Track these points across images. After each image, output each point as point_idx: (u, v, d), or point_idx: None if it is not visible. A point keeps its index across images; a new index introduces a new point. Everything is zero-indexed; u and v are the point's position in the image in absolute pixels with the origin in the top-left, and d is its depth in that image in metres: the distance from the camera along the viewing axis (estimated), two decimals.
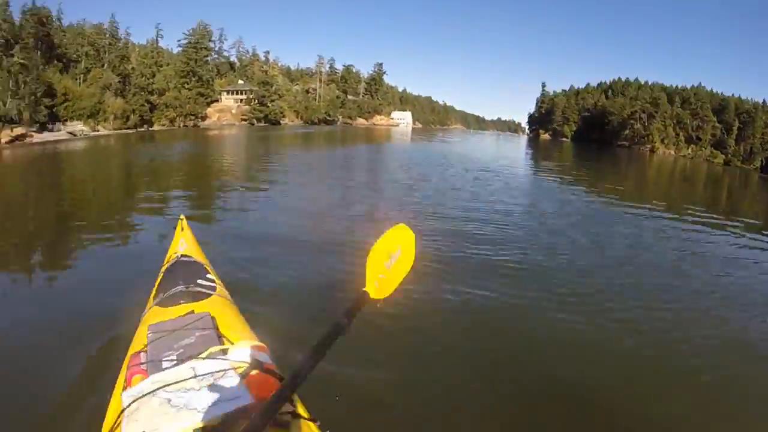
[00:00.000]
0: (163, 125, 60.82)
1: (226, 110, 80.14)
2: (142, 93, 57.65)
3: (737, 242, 13.34)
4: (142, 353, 2.60)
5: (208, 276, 3.90)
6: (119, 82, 55.52)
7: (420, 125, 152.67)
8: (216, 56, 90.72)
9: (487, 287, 6.96)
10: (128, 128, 52.13)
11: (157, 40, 78.96)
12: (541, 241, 10.47)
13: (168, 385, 2.13)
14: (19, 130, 37.63)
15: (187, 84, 70.50)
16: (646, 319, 6.54)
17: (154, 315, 3.24)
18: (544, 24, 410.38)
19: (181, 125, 64.37)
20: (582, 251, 9.93)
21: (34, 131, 39.57)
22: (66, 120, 45.33)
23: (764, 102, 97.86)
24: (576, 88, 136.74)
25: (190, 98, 68.10)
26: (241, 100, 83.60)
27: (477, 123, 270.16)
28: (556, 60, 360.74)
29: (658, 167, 56.77)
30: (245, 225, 10.25)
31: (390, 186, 17.94)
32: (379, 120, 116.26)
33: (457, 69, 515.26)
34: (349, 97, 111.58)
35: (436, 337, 5.53)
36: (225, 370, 2.24)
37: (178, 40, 79.57)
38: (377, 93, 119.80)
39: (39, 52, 46.36)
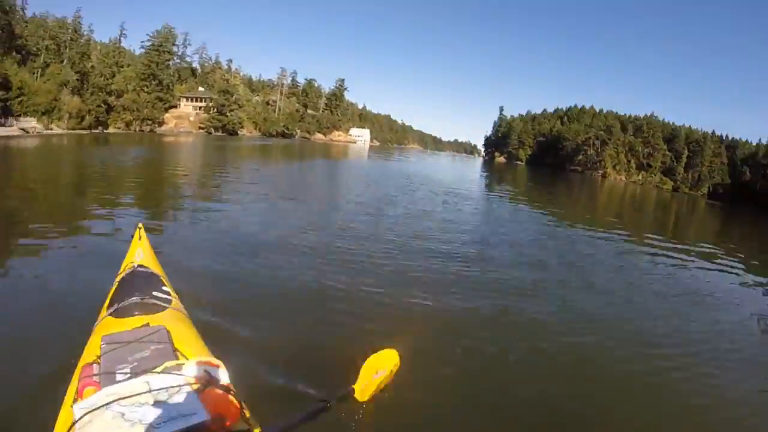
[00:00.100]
0: (119, 128, 59.89)
1: (185, 117, 79.33)
2: (100, 93, 56.84)
3: (684, 263, 14.28)
4: (94, 365, 2.55)
5: (164, 288, 3.87)
6: (77, 80, 54.59)
7: (378, 143, 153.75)
8: (178, 61, 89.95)
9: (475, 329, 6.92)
10: (83, 128, 51.18)
11: (120, 39, 78.45)
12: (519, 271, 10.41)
13: (122, 398, 2.09)
14: None
15: (147, 87, 69.74)
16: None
17: (108, 326, 3.19)
18: (505, 49, 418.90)
19: (138, 129, 63.50)
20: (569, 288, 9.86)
21: None
22: (19, 115, 44.25)
23: (713, 132, 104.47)
24: (533, 113, 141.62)
25: (148, 102, 67.34)
26: (201, 107, 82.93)
27: (434, 143, 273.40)
28: (514, 85, 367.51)
29: (609, 192, 58.80)
30: (201, 238, 10.07)
31: (354, 206, 17.77)
32: (337, 136, 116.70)
33: (417, 89, 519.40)
34: (309, 111, 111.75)
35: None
36: (180, 385, 2.21)
37: (142, 42, 78.71)
38: (337, 109, 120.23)
39: None
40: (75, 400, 2.31)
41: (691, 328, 8.05)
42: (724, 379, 6.21)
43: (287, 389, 4.38)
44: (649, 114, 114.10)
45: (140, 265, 4.27)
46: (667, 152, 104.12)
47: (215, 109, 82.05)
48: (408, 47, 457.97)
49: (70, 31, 60.53)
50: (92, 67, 60.09)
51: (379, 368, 2.67)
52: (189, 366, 2.36)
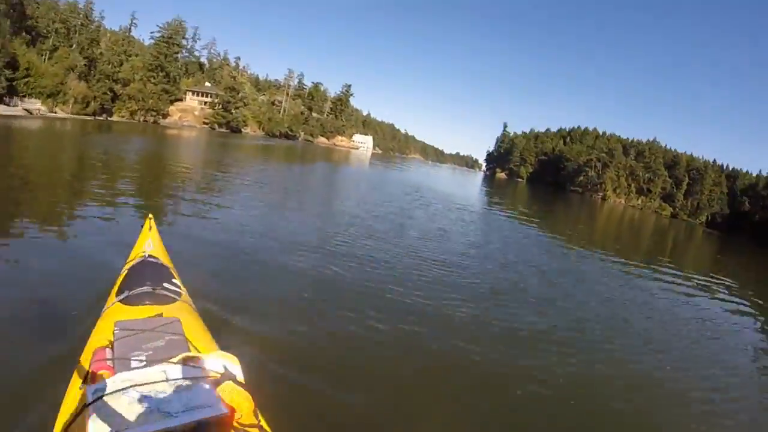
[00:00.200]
0: (123, 117, 59.60)
1: (189, 111, 79.00)
2: (107, 80, 56.57)
3: (679, 289, 14.28)
4: (107, 349, 2.57)
5: (174, 281, 3.94)
6: (85, 65, 54.25)
7: (380, 151, 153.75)
8: (187, 54, 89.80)
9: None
10: (87, 114, 50.86)
11: (130, 28, 78.29)
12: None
13: (137, 385, 2.11)
14: None
15: (154, 78, 69.38)
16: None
17: (119, 312, 3.25)
18: (512, 66, 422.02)
19: (141, 119, 63.21)
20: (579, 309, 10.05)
21: None
22: (24, 96, 43.95)
23: (714, 161, 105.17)
24: (536, 131, 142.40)
25: (154, 93, 67.00)
26: (206, 102, 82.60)
27: (435, 155, 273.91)
28: (519, 102, 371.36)
29: (608, 215, 59.07)
30: (205, 233, 10.06)
31: (355, 209, 17.98)
32: (340, 141, 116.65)
33: (422, 99, 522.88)
34: (314, 114, 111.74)
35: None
36: (198, 378, 2.25)
37: (152, 32, 78.84)
38: (342, 114, 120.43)
39: (9, 21, 45.00)
40: (85, 381, 2.34)
41: (685, 357, 8.02)
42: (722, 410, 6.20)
43: (294, 385, 4.44)
44: (651, 139, 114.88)
45: (151, 256, 4.32)
46: (668, 178, 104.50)
47: (220, 105, 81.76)
48: (415, 58, 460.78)
49: (81, 16, 60.28)
50: (101, 53, 60.03)
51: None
52: (207, 360, 2.41)
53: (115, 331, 2.73)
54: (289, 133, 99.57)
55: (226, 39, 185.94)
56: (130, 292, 3.50)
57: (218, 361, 2.42)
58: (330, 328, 6.23)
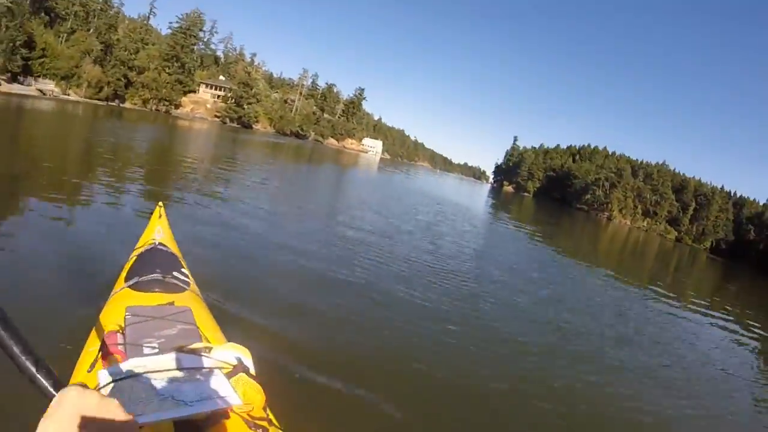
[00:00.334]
0: (135, 104, 59.57)
1: (202, 103, 79.04)
2: (122, 67, 56.65)
3: (678, 315, 14.04)
4: (118, 334, 2.54)
5: (183, 270, 3.87)
6: (101, 50, 54.26)
7: (388, 156, 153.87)
8: (203, 47, 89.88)
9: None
10: (99, 99, 50.88)
11: (148, 17, 78.16)
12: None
13: (151, 371, 2.10)
14: None
15: (169, 68, 69.48)
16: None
17: (129, 297, 3.18)
18: (527, 80, 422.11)
19: (154, 108, 63.23)
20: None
21: (3, 79, 38.26)
22: (39, 76, 43.96)
23: (722, 187, 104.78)
24: (546, 146, 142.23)
25: (168, 83, 67.07)
26: (219, 96, 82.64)
27: (444, 164, 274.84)
28: (530, 116, 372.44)
29: (613, 235, 59.01)
30: (214, 226, 9.99)
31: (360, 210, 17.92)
32: (350, 144, 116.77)
33: (434, 108, 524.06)
34: (325, 115, 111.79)
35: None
36: (212, 368, 2.23)
37: (170, 22, 78.60)
38: (353, 117, 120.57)
39: (28, 0, 44.99)
40: (94, 365, 2.33)
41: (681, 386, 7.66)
42: None
43: (303, 381, 4.42)
44: (660, 162, 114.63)
45: (161, 243, 4.29)
46: (675, 202, 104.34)
47: (233, 100, 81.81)
48: (430, 65, 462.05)
49: (100, 1, 60.09)
50: (118, 40, 59.81)
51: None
52: (220, 350, 2.37)
53: (127, 316, 2.70)
54: (300, 132, 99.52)
55: (244, 34, 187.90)
56: (140, 278, 3.44)
57: (231, 352, 2.37)
58: (338, 326, 6.21)
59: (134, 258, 3.99)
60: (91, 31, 56.53)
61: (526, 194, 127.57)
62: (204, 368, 2.22)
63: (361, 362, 5.32)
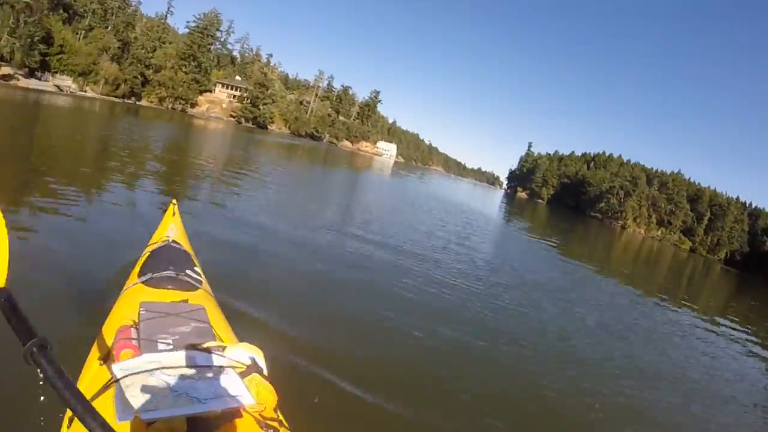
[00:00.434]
0: (151, 102, 59.78)
1: (217, 103, 79.29)
2: (139, 65, 56.89)
3: (690, 325, 13.78)
4: (132, 328, 2.50)
5: (196, 268, 3.87)
6: (119, 48, 54.49)
7: (402, 160, 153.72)
8: (219, 47, 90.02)
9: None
10: (116, 96, 51.01)
11: (166, 15, 78.13)
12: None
13: (165, 367, 2.08)
14: (6, 70, 36.50)
15: (185, 67, 69.73)
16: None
17: (143, 293, 3.18)
18: (542, 86, 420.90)
19: (169, 107, 63.39)
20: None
21: (21, 74, 38.37)
22: (56, 72, 44.06)
23: (737, 198, 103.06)
24: (560, 153, 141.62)
25: (184, 82, 67.30)
26: (235, 96, 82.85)
27: (457, 168, 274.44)
28: (545, 122, 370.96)
29: (627, 243, 58.30)
30: (227, 226, 9.88)
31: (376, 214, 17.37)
32: (364, 146, 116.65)
33: (449, 112, 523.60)
34: (341, 117, 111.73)
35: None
36: (225, 367, 2.22)
37: (187, 22, 78.95)
38: (368, 119, 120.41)
39: None
40: (106, 359, 2.36)
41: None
42: None
43: (314, 383, 4.33)
44: (676, 171, 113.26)
45: (174, 241, 4.32)
46: (690, 212, 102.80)
47: (249, 100, 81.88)
48: (446, 70, 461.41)
49: None
50: (135, 38, 60.26)
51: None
52: (234, 349, 2.37)
53: (141, 312, 2.67)
54: (315, 134, 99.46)
55: (260, 35, 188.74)
56: (154, 275, 3.42)
57: (244, 352, 2.36)
58: (350, 328, 6.13)
59: (147, 254, 4.00)
60: (109, 28, 56.71)
61: (539, 201, 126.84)
62: (218, 367, 2.21)
63: (374, 366, 5.20)
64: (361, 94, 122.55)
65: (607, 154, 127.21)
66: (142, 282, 3.35)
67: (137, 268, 3.70)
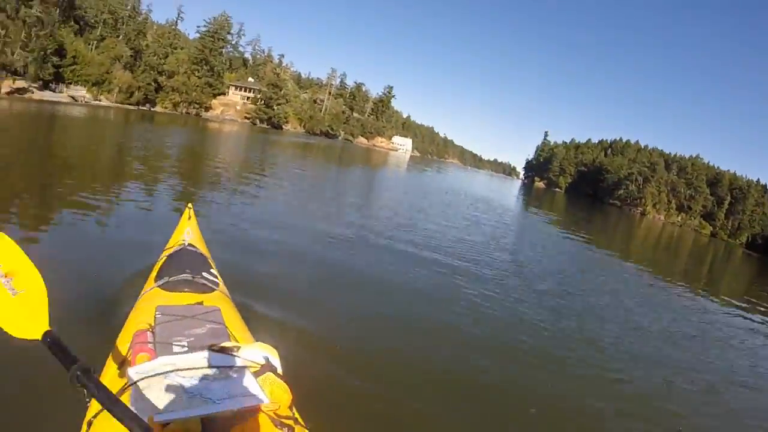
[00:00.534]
0: (166, 108, 60.11)
1: (231, 105, 79.60)
2: (152, 71, 57.15)
3: (713, 313, 13.46)
4: (148, 332, 2.55)
5: (212, 271, 3.91)
6: (131, 56, 54.76)
7: (418, 154, 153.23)
8: (231, 50, 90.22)
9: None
10: (130, 104, 51.29)
11: (176, 21, 78.54)
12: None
13: (180, 369, 2.10)
14: (21, 83, 36.85)
15: (198, 72, 70.01)
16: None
17: (159, 297, 3.22)
18: (556, 74, 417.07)
19: (184, 111, 63.71)
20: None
21: (35, 87, 38.75)
22: (70, 83, 44.46)
23: (758, 181, 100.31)
24: (577, 141, 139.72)
25: (197, 86, 67.61)
26: (248, 98, 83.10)
27: (474, 160, 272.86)
28: (560, 111, 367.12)
29: (647, 230, 57.80)
30: (243, 228, 9.99)
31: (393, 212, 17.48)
32: (379, 142, 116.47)
33: (463, 104, 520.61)
34: (355, 114, 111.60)
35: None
36: (240, 367, 2.23)
37: (198, 27, 79.17)
38: (383, 115, 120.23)
39: (58, 10, 45.39)
40: (123, 363, 2.40)
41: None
42: None
43: (329, 381, 4.32)
44: (694, 155, 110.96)
45: (190, 244, 4.35)
46: (709, 196, 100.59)
47: (262, 101, 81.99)
48: (458, 62, 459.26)
49: (129, 7, 60.78)
50: (147, 45, 60.54)
51: None
52: (249, 349, 2.39)
53: (157, 316, 2.73)
54: (330, 131, 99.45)
55: (271, 36, 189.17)
56: (170, 279, 3.49)
57: (259, 352, 2.37)
58: (367, 327, 6.16)
59: (164, 258, 4.05)
60: (121, 37, 57.04)
61: (557, 190, 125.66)
62: (232, 367, 2.23)
63: (391, 365, 5.20)
64: (375, 90, 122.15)
65: (624, 141, 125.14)
66: (159, 286, 3.42)
67: (154, 273, 3.79)
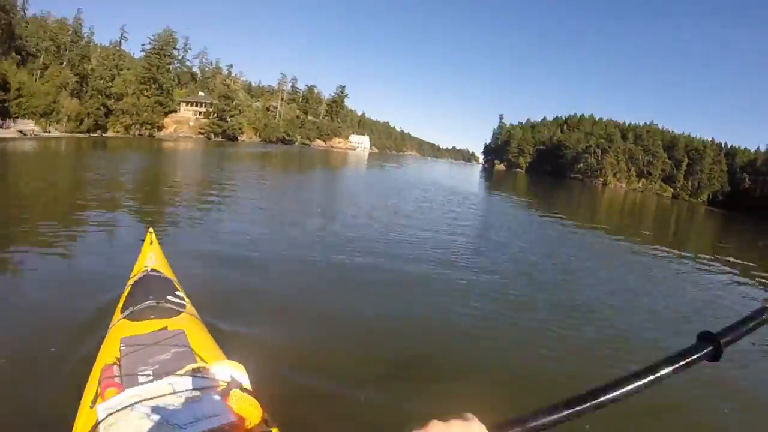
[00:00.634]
0: (118, 132, 59.36)
1: (184, 122, 78.82)
2: (99, 96, 56.42)
3: (680, 266, 14.40)
4: (114, 366, 2.58)
5: (177, 293, 3.91)
6: (77, 82, 54.02)
7: (376, 150, 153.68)
8: (178, 65, 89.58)
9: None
10: (81, 132, 50.65)
11: (120, 42, 77.86)
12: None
13: (145, 399, 2.14)
14: None
15: (147, 91, 69.14)
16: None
17: (125, 328, 3.21)
18: (505, 57, 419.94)
19: (137, 134, 62.95)
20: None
21: None
22: (17, 117, 43.62)
23: (712, 140, 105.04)
24: (532, 121, 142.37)
25: (148, 106, 66.84)
26: (201, 112, 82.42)
27: (432, 151, 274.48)
28: (513, 93, 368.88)
29: (610, 199, 59.12)
30: (207, 245, 9.98)
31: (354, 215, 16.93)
32: (337, 143, 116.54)
33: (416, 96, 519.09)
34: (309, 117, 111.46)
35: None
36: (205, 388, 2.28)
37: (142, 45, 77.84)
38: (337, 115, 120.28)
39: None
40: (95, 401, 2.34)
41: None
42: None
43: (303, 390, 4.39)
44: (648, 122, 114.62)
45: (153, 270, 4.36)
46: (667, 160, 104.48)
47: (215, 114, 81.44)
48: (407, 55, 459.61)
49: (70, 32, 60.10)
50: (92, 69, 59.77)
51: None
52: (212, 369, 2.45)
53: (122, 348, 2.75)
54: (286, 137, 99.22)
55: (218, 47, 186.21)
56: (135, 308, 3.49)
57: (224, 369, 2.45)
58: (336, 332, 6.19)
59: (129, 288, 4.04)
60: (64, 64, 56.33)
61: (518, 170, 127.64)
62: (197, 389, 2.27)
63: (361, 369, 5.24)
64: (327, 91, 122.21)
65: (579, 116, 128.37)
66: (125, 317, 3.41)
67: (120, 303, 3.76)
